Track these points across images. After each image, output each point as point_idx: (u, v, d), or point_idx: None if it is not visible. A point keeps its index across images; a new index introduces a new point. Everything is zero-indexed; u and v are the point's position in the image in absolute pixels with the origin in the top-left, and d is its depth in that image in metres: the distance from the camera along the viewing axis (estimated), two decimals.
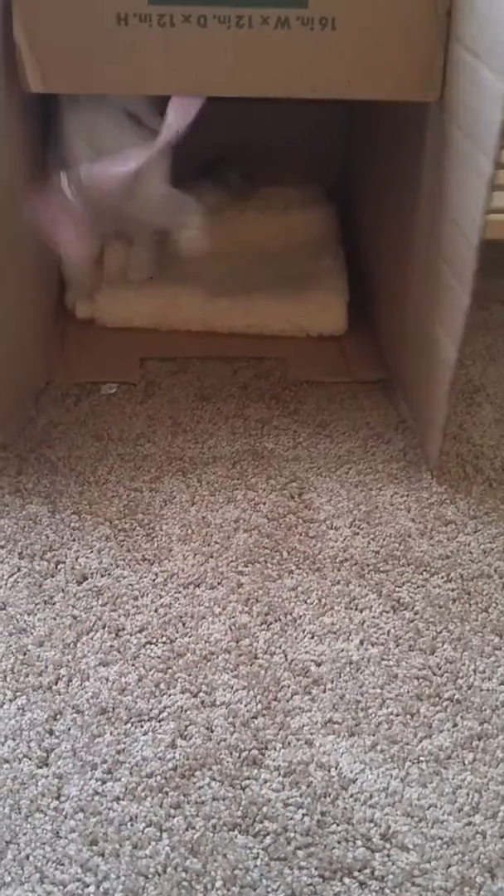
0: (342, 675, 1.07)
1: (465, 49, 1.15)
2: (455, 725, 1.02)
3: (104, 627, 1.10)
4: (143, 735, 0.99)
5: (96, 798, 0.93)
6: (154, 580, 1.17)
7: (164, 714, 1.01)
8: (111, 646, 1.08)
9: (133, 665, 1.06)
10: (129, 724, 1.00)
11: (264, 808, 0.93)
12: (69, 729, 0.99)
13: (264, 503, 1.29)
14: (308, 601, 1.16)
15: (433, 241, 1.29)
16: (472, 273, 1.17)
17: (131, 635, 1.09)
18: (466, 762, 0.99)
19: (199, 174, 1.76)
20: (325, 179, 1.81)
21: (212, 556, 1.21)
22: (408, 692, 1.06)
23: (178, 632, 1.11)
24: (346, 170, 1.81)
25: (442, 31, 1.19)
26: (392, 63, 1.21)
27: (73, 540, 1.21)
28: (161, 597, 1.15)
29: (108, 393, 1.48)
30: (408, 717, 1.03)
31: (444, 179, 1.24)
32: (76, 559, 1.18)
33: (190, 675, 1.06)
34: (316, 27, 1.18)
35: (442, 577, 1.19)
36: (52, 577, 1.16)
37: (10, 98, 1.21)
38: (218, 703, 1.03)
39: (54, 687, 1.03)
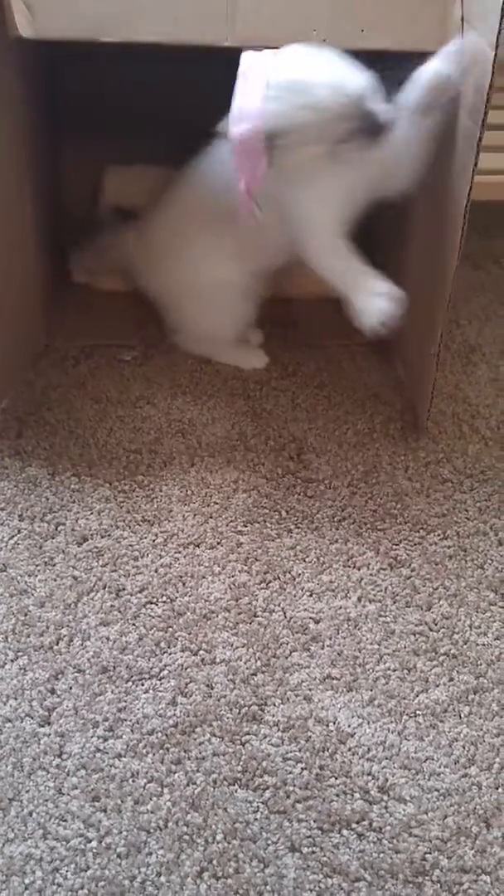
0: (340, 631, 1.08)
1: (460, 9, 1.14)
2: (451, 680, 1.04)
3: (105, 588, 1.11)
4: (144, 693, 1.01)
5: (98, 755, 0.94)
6: (154, 541, 1.18)
7: (165, 672, 1.03)
8: (112, 606, 1.09)
9: (133, 624, 1.07)
10: (129, 683, 1.01)
11: (264, 763, 0.95)
12: (70, 688, 1.00)
13: (263, 464, 1.30)
14: (307, 559, 1.17)
15: (427, 203, 1.29)
16: (460, 233, 1.17)
17: (132, 595, 1.11)
18: (462, 715, 1.00)
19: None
20: None
21: (211, 517, 1.22)
22: (405, 648, 1.07)
23: (178, 591, 1.12)
24: None
25: None
26: (408, 13, 1.18)
27: (73, 502, 1.22)
28: (161, 557, 1.16)
29: (125, 360, 1.48)
30: (405, 672, 1.04)
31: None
32: (76, 521, 1.19)
33: (190, 634, 1.07)
34: None
35: (438, 535, 1.20)
36: (53, 538, 1.17)
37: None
38: (218, 660, 1.04)
39: (55, 647, 1.04)
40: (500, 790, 0.94)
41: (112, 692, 1.00)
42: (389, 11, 1.18)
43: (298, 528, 1.21)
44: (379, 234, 1.61)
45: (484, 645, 1.08)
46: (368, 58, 1.17)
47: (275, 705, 1.00)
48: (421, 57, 1.20)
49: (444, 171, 1.22)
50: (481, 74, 1.08)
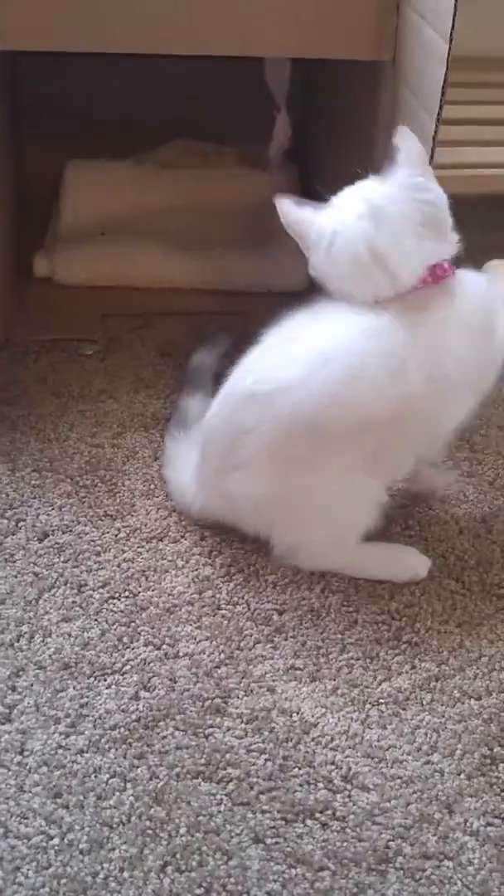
0: (304, 622, 1.08)
1: (414, 10, 1.16)
2: (413, 668, 1.04)
3: (66, 584, 1.10)
4: (107, 688, 1.00)
5: (60, 751, 0.94)
6: (117, 535, 1.17)
7: (128, 667, 1.02)
8: (73, 602, 1.09)
9: (96, 620, 1.07)
10: (92, 679, 1.01)
11: (227, 755, 0.95)
12: (31, 685, 1.00)
13: None
14: (270, 552, 1.16)
15: None
16: None
17: (94, 591, 1.10)
18: (425, 703, 1.01)
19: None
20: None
21: (175, 510, 1.21)
22: (368, 637, 1.07)
23: (140, 586, 1.11)
24: (306, 130, 1.80)
25: None
26: (346, 23, 1.22)
27: (34, 497, 1.21)
28: (124, 552, 1.15)
29: (86, 354, 1.47)
30: (368, 660, 1.04)
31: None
32: (37, 516, 1.18)
33: (153, 628, 1.07)
34: None
35: (399, 525, 1.20)
36: (13, 534, 1.16)
37: None
38: (181, 654, 1.04)
39: (16, 644, 1.04)
40: (461, 776, 0.94)
41: (74, 688, 1.00)
42: (324, 19, 1.21)
43: None
44: None
45: (445, 632, 1.08)
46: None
47: (238, 697, 1.00)
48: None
49: (387, 144, 1.22)
50: (437, 68, 1.08)
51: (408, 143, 1.06)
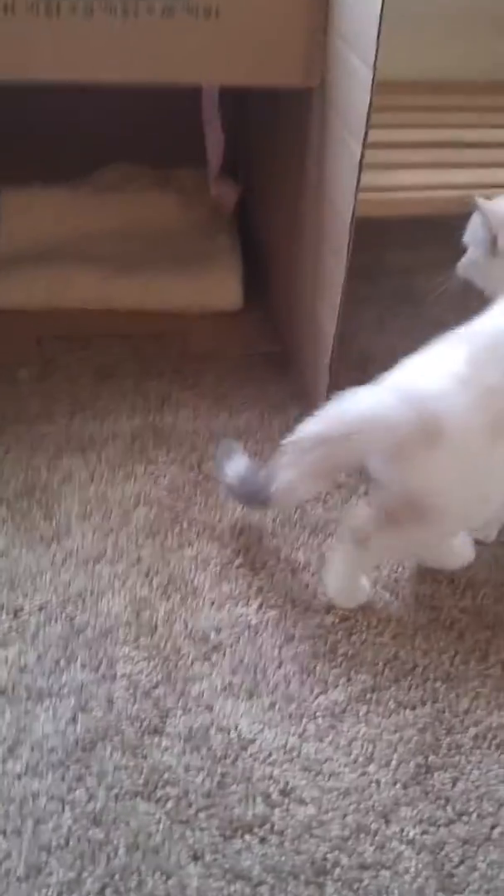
0: (241, 639, 1.09)
1: (340, 38, 1.19)
2: (349, 680, 1.05)
3: (2, 608, 1.10)
4: (44, 712, 1.00)
5: None
6: (53, 558, 1.17)
7: (65, 690, 1.03)
8: (10, 627, 1.09)
9: (32, 644, 1.07)
10: (29, 702, 1.01)
11: (166, 774, 0.95)
12: None
13: (164, 476, 1.31)
14: (207, 569, 1.18)
15: (315, 220, 1.32)
16: (346, 249, 1.20)
17: (30, 615, 1.10)
18: (360, 715, 1.02)
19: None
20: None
21: (112, 532, 1.22)
22: (304, 651, 1.08)
23: (77, 608, 1.12)
24: (241, 153, 1.83)
25: (320, 20, 1.22)
26: (274, 51, 1.25)
27: None
28: (60, 575, 1.15)
29: (21, 378, 1.47)
30: (304, 675, 1.06)
31: (322, 162, 1.28)
32: None
33: (90, 651, 1.07)
34: (200, 16, 1.20)
35: (335, 539, 1.22)
36: None
37: None
38: (118, 675, 1.05)
39: None
40: (397, 786, 0.95)
41: (11, 713, 1.00)
42: (254, 48, 1.23)
43: (199, 538, 1.22)
44: (272, 248, 1.64)
45: (381, 644, 1.10)
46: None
47: (176, 716, 1.01)
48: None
49: (330, 189, 1.25)
50: (362, 94, 1.11)
51: None
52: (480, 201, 1.20)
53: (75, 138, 1.70)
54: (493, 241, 1.21)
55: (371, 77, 1.09)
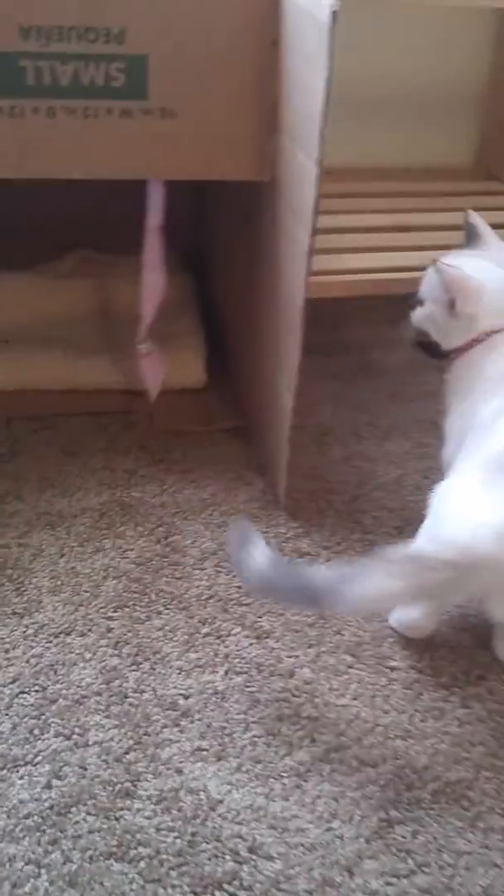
0: (208, 705, 1.14)
1: (288, 137, 1.27)
2: (313, 741, 1.10)
3: None
4: (20, 779, 1.04)
5: None
6: (25, 632, 1.21)
7: (39, 758, 1.06)
8: None
9: (7, 714, 1.10)
10: (4, 770, 1.04)
11: (138, 835, 0.99)
12: None
13: (132, 549, 1.36)
14: (175, 639, 1.22)
15: (272, 302, 1.40)
16: (300, 329, 1.28)
17: (3, 687, 1.14)
18: (324, 773, 1.06)
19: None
20: (181, 248, 1.90)
21: (81, 605, 1.26)
22: (270, 715, 1.13)
23: (49, 679, 1.16)
24: (200, 239, 1.92)
25: (269, 120, 1.31)
26: (228, 148, 1.34)
27: None
28: (32, 647, 1.19)
29: None
30: (270, 737, 1.10)
31: (275, 248, 1.36)
32: None
33: (63, 719, 1.11)
34: (156, 117, 1.29)
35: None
36: None
37: None
38: (91, 742, 1.08)
39: None
40: (360, 840, 1.00)
41: None
42: (208, 145, 1.32)
43: (167, 609, 1.27)
44: (233, 327, 1.72)
45: (343, 706, 1.14)
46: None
47: (147, 780, 1.05)
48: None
49: (283, 274, 1.33)
50: (309, 188, 1.19)
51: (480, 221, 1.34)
52: (442, 265, 1.26)
53: (36, 227, 1.77)
54: (451, 304, 1.27)
55: (316, 173, 1.18)
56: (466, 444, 1.20)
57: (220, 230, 1.78)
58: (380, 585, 1.08)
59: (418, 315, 1.35)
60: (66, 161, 1.30)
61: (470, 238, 1.36)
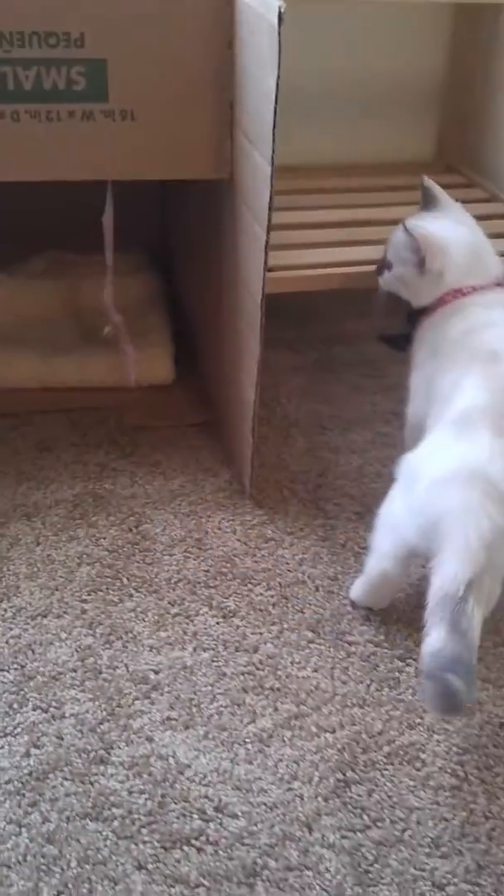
0: (177, 679, 1.21)
1: (244, 136, 1.34)
2: (276, 710, 1.17)
3: None
4: (0, 749, 1.10)
5: None
6: (3, 615, 1.28)
7: (18, 729, 1.13)
8: None
9: None
10: None
11: (111, 798, 1.06)
12: None
13: (105, 537, 1.42)
14: (146, 619, 1.29)
15: (233, 298, 1.47)
16: (259, 324, 1.34)
17: None
18: (286, 739, 1.14)
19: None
20: (147, 246, 1.98)
21: (57, 589, 1.33)
22: (235, 686, 1.20)
23: (28, 658, 1.22)
24: (166, 238, 1.98)
25: (226, 120, 1.38)
26: (187, 148, 1.40)
27: None
28: (10, 629, 1.26)
29: None
30: (235, 707, 1.17)
31: (235, 244, 1.43)
32: None
33: (40, 694, 1.18)
34: (117, 118, 1.35)
35: (263, 587, 1.35)
36: None
37: None
38: (67, 714, 1.15)
39: None
40: (319, 798, 1.07)
41: None
42: (165, 146, 1.38)
43: (138, 592, 1.34)
44: (199, 324, 1.78)
45: (304, 677, 1.22)
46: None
47: (120, 748, 1.12)
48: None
49: (242, 270, 1.39)
50: (264, 186, 1.26)
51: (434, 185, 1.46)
52: (411, 225, 1.35)
53: (4, 228, 1.83)
54: (422, 262, 1.35)
55: (270, 172, 1.23)
56: (436, 409, 1.27)
57: (185, 228, 1.85)
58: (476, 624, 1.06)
59: (387, 278, 1.44)
60: (31, 164, 1.36)
61: (427, 201, 1.47)
